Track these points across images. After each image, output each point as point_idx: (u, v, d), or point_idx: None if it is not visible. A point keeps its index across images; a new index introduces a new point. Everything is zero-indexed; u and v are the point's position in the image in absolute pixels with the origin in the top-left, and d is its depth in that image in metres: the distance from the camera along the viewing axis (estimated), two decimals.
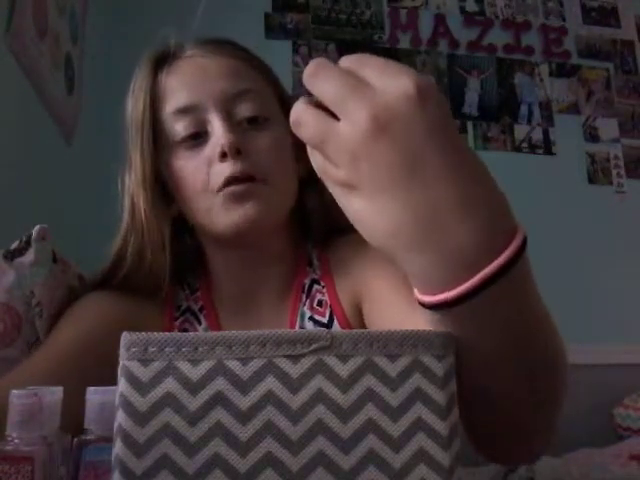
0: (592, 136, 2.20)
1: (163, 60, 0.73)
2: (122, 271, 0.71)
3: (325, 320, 0.73)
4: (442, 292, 0.35)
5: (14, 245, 0.69)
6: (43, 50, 1.28)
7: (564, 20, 2.30)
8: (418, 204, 0.33)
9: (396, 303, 0.63)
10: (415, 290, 0.37)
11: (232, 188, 0.66)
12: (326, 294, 0.74)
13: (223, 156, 0.66)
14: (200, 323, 0.74)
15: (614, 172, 2.18)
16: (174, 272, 0.73)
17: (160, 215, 0.70)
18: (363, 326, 0.72)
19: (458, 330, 0.36)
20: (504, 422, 0.42)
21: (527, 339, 0.38)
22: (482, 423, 0.43)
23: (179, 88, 0.70)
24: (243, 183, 0.66)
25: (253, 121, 0.70)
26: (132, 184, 0.71)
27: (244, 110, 0.69)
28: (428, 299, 0.36)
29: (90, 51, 1.64)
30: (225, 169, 0.66)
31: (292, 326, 0.73)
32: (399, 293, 0.63)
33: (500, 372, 0.39)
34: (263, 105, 0.71)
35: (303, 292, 0.75)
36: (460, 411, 0.36)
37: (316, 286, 0.75)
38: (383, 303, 0.67)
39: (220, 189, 0.66)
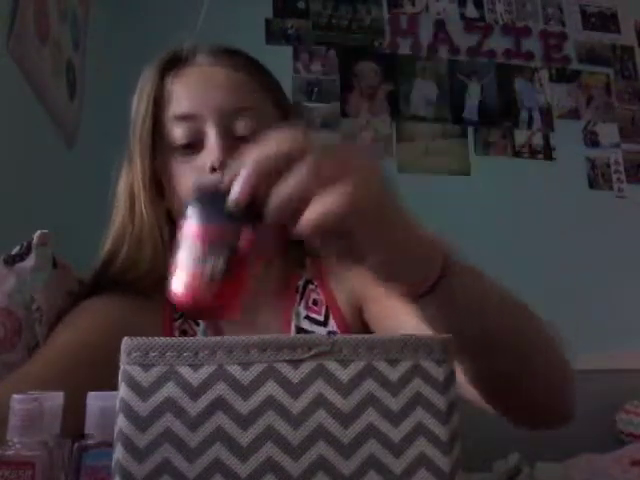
0: (592, 141, 2.20)
1: (173, 64, 0.75)
2: (118, 260, 0.72)
3: (321, 318, 0.75)
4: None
5: (15, 250, 0.69)
6: (45, 56, 1.28)
7: (564, 26, 2.31)
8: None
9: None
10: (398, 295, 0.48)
11: None
12: (320, 293, 0.77)
13: (213, 170, 0.68)
14: (198, 324, 0.75)
15: (614, 177, 2.18)
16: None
17: (157, 208, 0.73)
18: (363, 325, 0.75)
19: (436, 314, 0.48)
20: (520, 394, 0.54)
21: (495, 322, 0.50)
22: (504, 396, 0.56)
23: (182, 95, 0.72)
24: None
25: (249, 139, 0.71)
26: (132, 178, 0.73)
27: (241, 128, 0.70)
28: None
29: (91, 57, 1.64)
30: None
31: (288, 325, 0.75)
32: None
33: (487, 352, 0.50)
34: (261, 123, 0.71)
35: (297, 292, 0.77)
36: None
37: (310, 286, 0.78)
38: (388, 302, 0.68)
39: None
